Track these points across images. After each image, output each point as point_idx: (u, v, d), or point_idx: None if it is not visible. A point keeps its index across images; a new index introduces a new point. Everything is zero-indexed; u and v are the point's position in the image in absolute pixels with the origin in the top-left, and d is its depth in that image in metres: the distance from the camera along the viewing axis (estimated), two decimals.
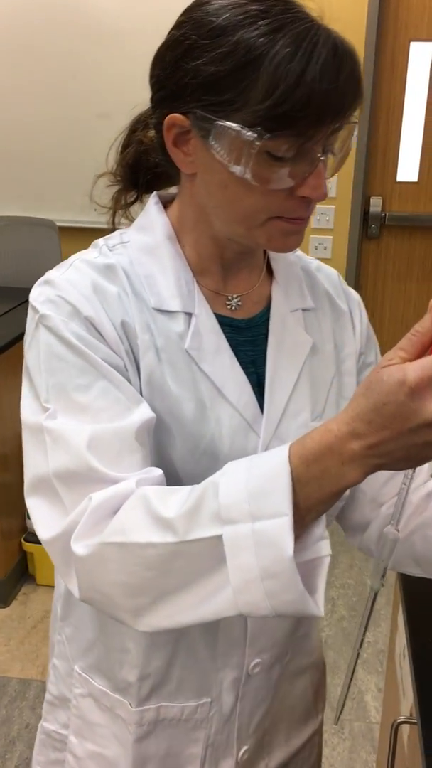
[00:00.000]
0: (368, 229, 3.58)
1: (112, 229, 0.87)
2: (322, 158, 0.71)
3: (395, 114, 3.45)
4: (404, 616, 1.02)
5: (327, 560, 0.65)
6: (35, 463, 0.72)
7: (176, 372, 0.77)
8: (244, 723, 0.89)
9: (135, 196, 0.89)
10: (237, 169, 0.70)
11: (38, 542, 1.18)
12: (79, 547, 0.66)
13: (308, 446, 0.61)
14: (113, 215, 0.89)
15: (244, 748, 0.90)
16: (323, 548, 0.64)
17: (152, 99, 0.77)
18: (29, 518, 1.12)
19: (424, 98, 3.51)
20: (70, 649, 0.92)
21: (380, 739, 1.47)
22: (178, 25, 0.72)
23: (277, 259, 0.88)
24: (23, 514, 2.64)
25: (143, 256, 0.79)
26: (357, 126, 0.74)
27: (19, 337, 2.50)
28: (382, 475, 0.91)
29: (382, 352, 0.79)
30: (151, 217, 0.82)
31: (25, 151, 3.34)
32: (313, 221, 3.70)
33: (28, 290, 0.78)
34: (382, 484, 0.92)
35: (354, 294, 0.94)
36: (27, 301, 0.78)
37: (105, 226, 0.89)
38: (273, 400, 0.82)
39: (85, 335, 0.72)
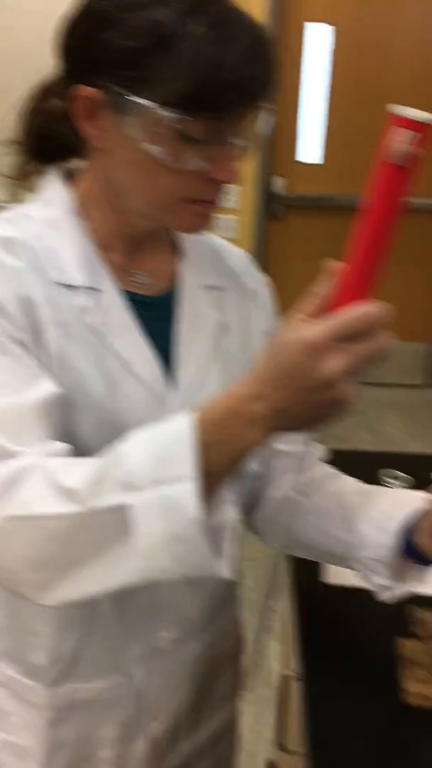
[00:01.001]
0: (273, 210, 3.62)
1: (14, 203, 0.84)
2: (234, 142, 0.71)
3: (296, 95, 3.49)
4: (291, 583, 1.06)
5: (233, 523, 0.66)
6: None
7: (83, 348, 0.76)
8: (157, 701, 0.88)
9: (38, 168, 0.86)
10: (148, 148, 0.69)
11: None
12: None
13: (211, 410, 0.61)
14: (15, 188, 0.86)
15: (157, 726, 0.89)
16: (229, 512, 0.66)
17: (61, 69, 0.75)
18: None
19: (326, 80, 3.57)
20: None
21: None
22: None
23: (186, 238, 0.88)
24: None
25: (46, 229, 0.77)
26: (272, 112, 0.74)
27: None
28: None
29: None
30: (54, 191, 0.81)
31: None
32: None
33: None
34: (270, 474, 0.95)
35: (262, 276, 0.95)
36: None
37: (4, 199, 0.86)
38: (183, 376, 0.82)
39: None
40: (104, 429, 0.76)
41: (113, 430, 0.74)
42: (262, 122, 0.74)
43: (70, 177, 0.83)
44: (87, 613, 0.83)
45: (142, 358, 0.79)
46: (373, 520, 0.84)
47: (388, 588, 0.84)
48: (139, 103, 0.68)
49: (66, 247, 0.78)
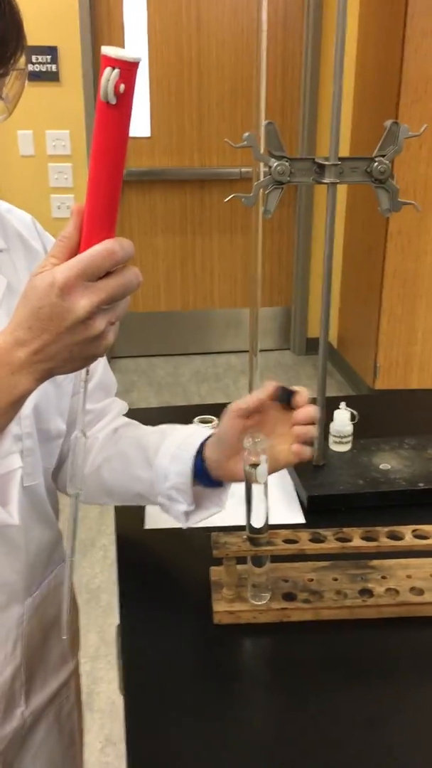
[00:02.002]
0: None
1: None
2: None
3: None
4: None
5: (18, 472, 0.68)
6: None
7: None
8: None
9: None
10: None
11: None
12: None
13: None
14: None
15: None
16: (13, 462, 0.66)
17: None
18: None
19: (145, 55, 3.58)
20: None
21: None
22: None
23: None
24: None
25: None
26: (26, 73, 0.74)
27: None
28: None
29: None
30: None
31: None
32: (52, 180, 3.65)
33: None
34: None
35: (51, 238, 0.94)
36: None
37: None
38: None
39: None
40: None
41: None
42: (21, 83, 0.74)
43: None
44: None
45: None
46: (168, 452, 0.89)
47: (188, 514, 0.90)
48: None
49: None
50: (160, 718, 0.78)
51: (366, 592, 0.91)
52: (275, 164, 1.05)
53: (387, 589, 0.91)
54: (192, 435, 0.91)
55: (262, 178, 1.08)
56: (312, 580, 0.93)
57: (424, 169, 3.10)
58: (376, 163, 1.05)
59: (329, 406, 1.25)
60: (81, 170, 3.63)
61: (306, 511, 1.13)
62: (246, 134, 1.03)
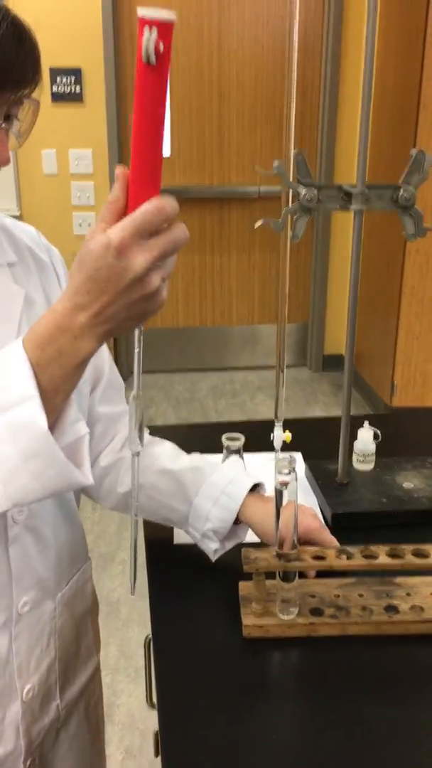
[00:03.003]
0: None
1: None
2: (2, 126, 0.74)
3: None
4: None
5: (86, 437, 0.70)
6: None
7: None
8: (23, 662, 0.90)
9: None
10: None
11: None
12: None
13: (39, 331, 0.63)
14: None
15: (28, 687, 0.91)
16: (80, 429, 0.69)
17: None
18: None
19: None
20: None
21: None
22: None
23: None
24: None
25: None
26: (38, 108, 0.78)
27: None
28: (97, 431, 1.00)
29: None
30: None
31: None
32: (74, 198, 3.72)
33: None
34: (98, 440, 1.01)
35: (55, 249, 0.98)
36: None
37: None
38: None
39: None
40: None
41: None
42: (33, 114, 0.78)
43: None
44: None
45: None
46: (210, 496, 0.97)
47: (219, 550, 0.98)
48: None
49: None
50: (191, 730, 0.80)
51: (392, 609, 0.93)
52: (303, 191, 1.09)
53: (412, 606, 0.93)
54: (233, 482, 0.98)
55: (290, 203, 1.12)
56: (338, 596, 0.96)
57: None
58: (401, 191, 1.09)
59: (351, 425, 1.28)
60: (102, 189, 3.70)
61: (330, 529, 1.15)
62: (276, 163, 1.07)
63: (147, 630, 0.99)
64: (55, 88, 3.52)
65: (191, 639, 0.93)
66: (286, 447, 1.33)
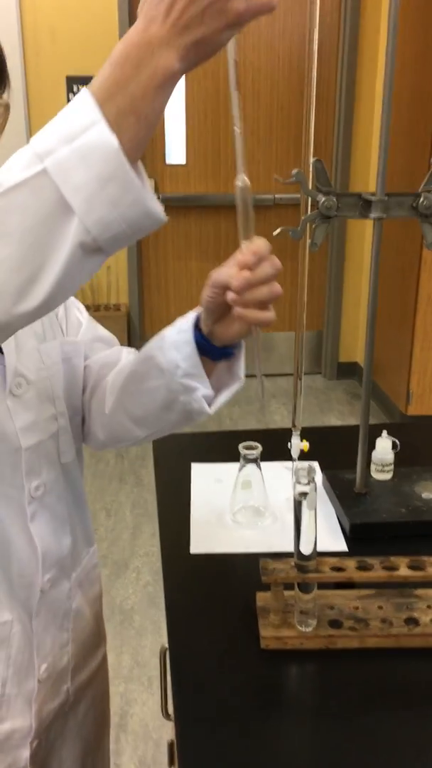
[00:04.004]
0: None
1: None
2: None
3: None
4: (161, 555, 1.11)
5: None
6: None
7: None
8: (41, 641, 0.91)
9: None
10: None
11: None
12: None
13: (115, 53, 0.61)
14: None
15: (44, 666, 0.92)
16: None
17: None
18: None
19: (182, 88, 3.66)
20: None
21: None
22: None
23: None
24: None
25: None
26: (8, 108, 0.78)
27: None
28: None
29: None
30: None
31: None
32: None
33: None
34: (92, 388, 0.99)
35: None
36: None
37: None
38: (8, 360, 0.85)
39: None
40: None
41: None
42: (4, 117, 0.79)
43: None
44: None
45: None
46: (171, 346, 0.88)
47: (209, 398, 0.90)
48: None
49: None
50: (208, 742, 0.79)
51: (412, 621, 0.92)
52: (323, 200, 1.08)
53: None
54: (182, 320, 0.90)
55: (308, 211, 1.11)
56: (357, 608, 0.95)
57: None
58: (422, 199, 1.08)
59: (368, 434, 1.27)
60: None
61: (348, 539, 1.14)
62: (294, 171, 1.07)
63: (161, 639, 0.99)
64: (71, 97, 3.54)
65: (208, 650, 0.92)
66: (302, 456, 1.32)
